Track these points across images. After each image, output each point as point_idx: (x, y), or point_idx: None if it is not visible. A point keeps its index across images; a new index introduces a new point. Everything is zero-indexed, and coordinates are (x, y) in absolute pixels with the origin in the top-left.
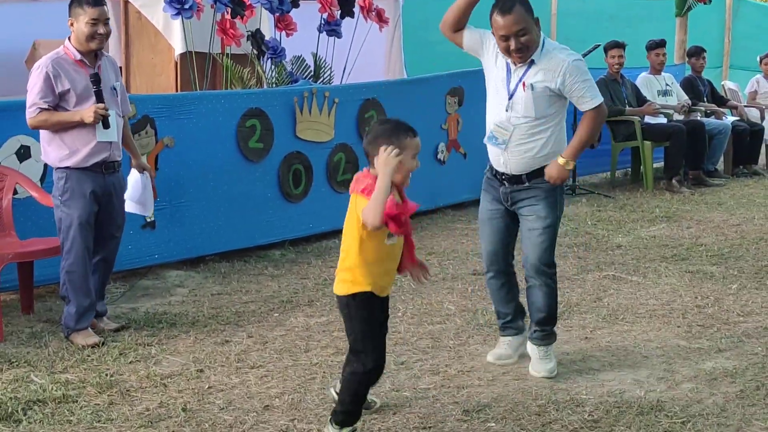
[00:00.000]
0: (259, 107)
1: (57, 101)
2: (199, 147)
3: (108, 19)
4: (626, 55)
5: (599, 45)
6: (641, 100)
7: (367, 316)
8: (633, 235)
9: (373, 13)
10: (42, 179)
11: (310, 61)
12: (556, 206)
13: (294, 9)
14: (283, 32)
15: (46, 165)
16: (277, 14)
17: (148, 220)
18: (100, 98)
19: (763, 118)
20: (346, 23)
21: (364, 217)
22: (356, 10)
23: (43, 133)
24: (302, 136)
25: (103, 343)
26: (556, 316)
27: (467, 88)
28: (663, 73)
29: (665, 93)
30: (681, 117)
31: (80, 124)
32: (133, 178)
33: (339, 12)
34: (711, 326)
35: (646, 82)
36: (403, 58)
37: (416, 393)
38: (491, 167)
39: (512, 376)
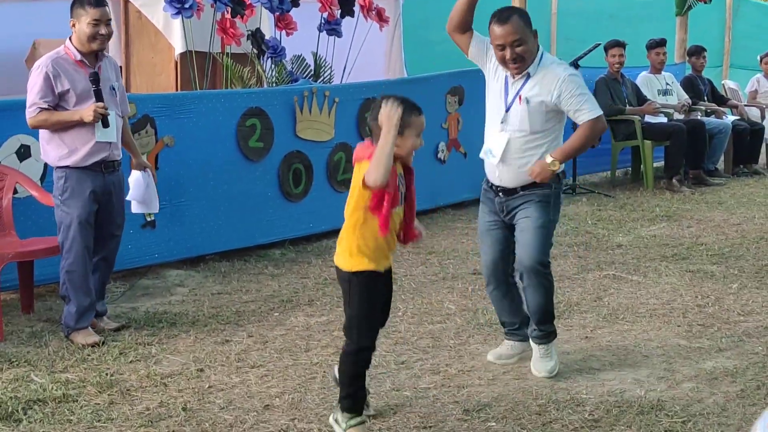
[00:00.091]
0: (260, 106)
1: (57, 101)
2: (199, 146)
3: (110, 20)
4: (627, 55)
5: (599, 44)
6: (641, 99)
7: (366, 296)
8: (633, 234)
9: (374, 12)
10: (42, 179)
11: (310, 61)
12: (549, 209)
13: (294, 8)
14: (283, 31)
15: (46, 164)
16: (277, 13)
17: (148, 219)
18: (99, 98)
19: (763, 117)
20: (347, 22)
21: (368, 175)
22: (356, 9)
23: (42, 132)
24: (302, 136)
25: (103, 343)
26: (553, 315)
27: (467, 88)
28: (663, 73)
29: (665, 92)
30: (681, 116)
31: (80, 124)
32: (134, 177)
33: (339, 11)
34: (711, 326)
35: (646, 82)
36: (404, 57)
37: (417, 392)
38: (487, 179)
39: (512, 375)
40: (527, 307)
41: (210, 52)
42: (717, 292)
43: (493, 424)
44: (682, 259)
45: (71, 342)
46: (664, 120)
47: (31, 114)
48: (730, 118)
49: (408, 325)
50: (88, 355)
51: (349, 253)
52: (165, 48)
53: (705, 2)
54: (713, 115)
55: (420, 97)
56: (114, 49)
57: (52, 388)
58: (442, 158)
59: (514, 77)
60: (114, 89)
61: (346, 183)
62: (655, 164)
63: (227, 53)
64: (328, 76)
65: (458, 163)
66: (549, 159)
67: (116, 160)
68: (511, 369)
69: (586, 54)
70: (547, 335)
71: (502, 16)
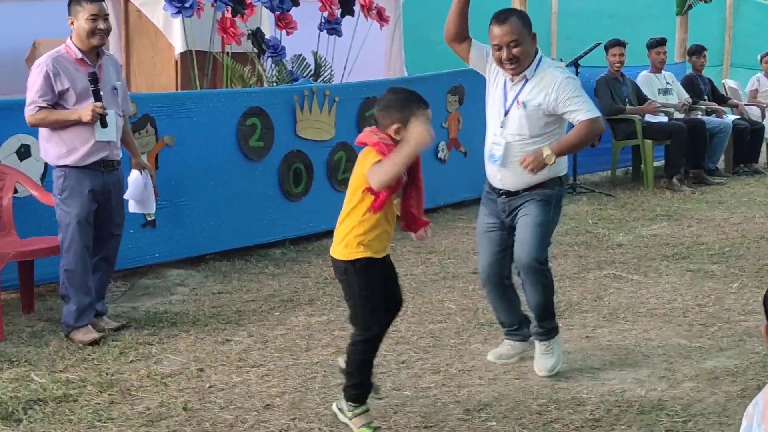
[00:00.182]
0: (260, 106)
1: (56, 99)
2: (199, 146)
3: (107, 14)
4: (627, 54)
5: (600, 43)
6: (642, 98)
7: (366, 281)
8: (634, 233)
9: (374, 11)
10: (42, 178)
11: (310, 60)
12: (550, 208)
13: (294, 7)
14: (284, 31)
15: (46, 164)
16: (278, 13)
17: (149, 219)
18: (98, 97)
19: (763, 116)
20: (347, 22)
21: (373, 177)
22: (357, 8)
23: (42, 130)
24: (303, 135)
25: (103, 341)
26: (553, 312)
27: (468, 87)
28: (664, 72)
29: (666, 91)
30: (682, 115)
31: (79, 123)
32: (133, 177)
33: (339, 10)
34: (712, 325)
35: (646, 81)
36: (404, 56)
37: (417, 392)
38: (489, 183)
39: (513, 375)
40: (528, 305)
41: (210, 51)
42: (717, 291)
43: (494, 423)
44: (683, 259)
45: (71, 341)
46: (665, 119)
47: (29, 112)
48: (730, 118)
49: (408, 325)
50: (89, 355)
51: (345, 243)
52: (165, 47)
53: (705, 1)
54: (713, 115)
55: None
56: (114, 48)
57: (53, 388)
58: (443, 158)
59: (512, 80)
60: (116, 89)
61: (347, 182)
62: (655, 163)
63: (227, 52)
64: (329, 76)
65: (458, 162)
66: (545, 150)
67: (116, 159)
68: (512, 368)
69: (586, 53)
70: (548, 332)
71: (501, 16)
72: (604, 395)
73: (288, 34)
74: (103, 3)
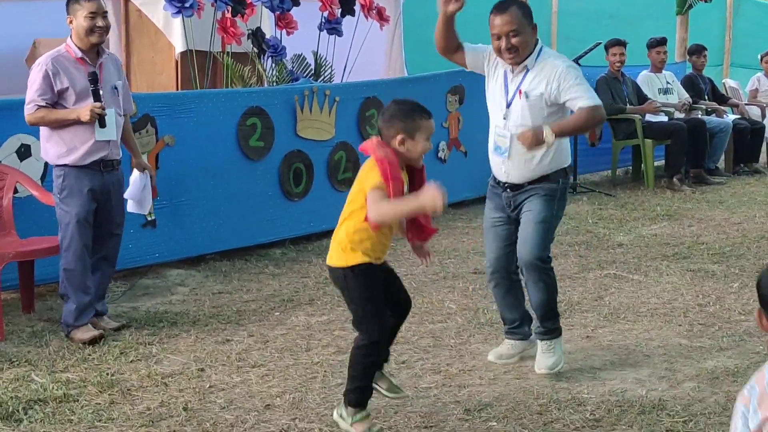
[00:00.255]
0: (260, 106)
1: (56, 99)
2: (199, 145)
3: (106, 12)
4: (627, 54)
5: (600, 43)
6: (642, 98)
7: (367, 283)
8: (634, 233)
9: (374, 11)
10: (42, 178)
11: (310, 60)
12: (554, 204)
13: (294, 7)
14: (284, 31)
15: (46, 164)
16: (278, 12)
17: (149, 218)
18: (97, 97)
19: (764, 116)
20: (347, 21)
21: (373, 212)
22: (357, 8)
23: (42, 130)
24: (303, 135)
25: (103, 340)
26: (555, 312)
27: (468, 87)
28: (664, 71)
29: (666, 91)
30: (682, 115)
31: (78, 122)
32: (133, 177)
33: (339, 10)
34: (712, 325)
35: (647, 81)
36: (404, 56)
37: (417, 392)
38: (494, 176)
39: (513, 375)
40: (530, 303)
41: (210, 51)
42: (718, 291)
43: (494, 423)
44: (683, 259)
45: (71, 340)
46: (665, 119)
47: (29, 111)
48: (730, 117)
49: (409, 325)
50: (89, 355)
51: (343, 249)
52: (165, 47)
53: (705, 1)
54: (714, 114)
55: (420, 96)
56: (114, 47)
57: (53, 388)
58: (443, 157)
59: (513, 71)
60: (116, 88)
61: (347, 182)
62: (655, 163)
63: (228, 52)
64: (329, 75)
65: (459, 162)
66: (546, 129)
67: (115, 159)
68: (512, 368)
69: (586, 53)
70: (550, 332)
71: (502, 6)
72: (605, 395)
73: (288, 33)
74: (101, 1)
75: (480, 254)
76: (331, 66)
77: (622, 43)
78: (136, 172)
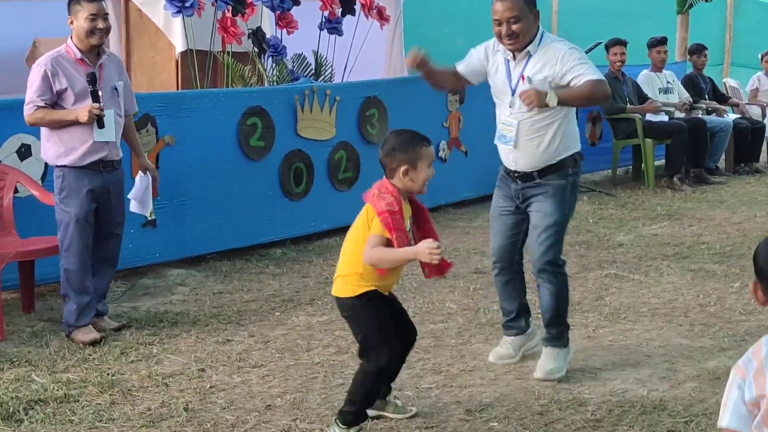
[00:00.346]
0: (260, 105)
1: (55, 99)
2: (200, 145)
3: (107, 14)
4: (627, 53)
5: (600, 42)
6: (642, 97)
7: (375, 310)
8: (634, 233)
9: (374, 10)
10: (43, 178)
11: (311, 59)
12: (565, 204)
13: (295, 7)
14: (284, 30)
15: (46, 163)
16: (278, 12)
17: (149, 218)
18: (96, 98)
19: (764, 115)
20: (347, 21)
21: (367, 256)
22: (357, 7)
23: (43, 130)
24: (303, 134)
25: (104, 341)
26: (563, 319)
27: (468, 86)
28: (664, 71)
29: (666, 90)
30: (682, 115)
31: (77, 123)
32: (138, 177)
33: (340, 10)
34: (713, 325)
35: (647, 80)
36: (404, 55)
37: (418, 392)
38: (504, 166)
39: (514, 375)
40: (539, 306)
41: (211, 50)
42: (719, 291)
43: (495, 424)
44: (684, 258)
45: (72, 340)
46: (665, 118)
47: (28, 111)
48: (731, 117)
49: None
50: (90, 355)
51: (349, 281)
52: (166, 46)
53: (706, 0)
54: (714, 114)
55: (420, 95)
56: (114, 47)
57: (54, 388)
58: (443, 157)
59: (515, 58)
60: (116, 89)
61: (347, 182)
62: (656, 163)
63: (228, 52)
64: (329, 75)
65: (459, 161)
66: (550, 92)
67: (115, 159)
68: (513, 369)
69: (587, 52)
70: (555, 338)
71: None
72: (606, 395)
73: (289, 33)
74: (103, 2)
75: (481, 254)
76: (332, 65)
77: (622, 43)
78: (140, 173)
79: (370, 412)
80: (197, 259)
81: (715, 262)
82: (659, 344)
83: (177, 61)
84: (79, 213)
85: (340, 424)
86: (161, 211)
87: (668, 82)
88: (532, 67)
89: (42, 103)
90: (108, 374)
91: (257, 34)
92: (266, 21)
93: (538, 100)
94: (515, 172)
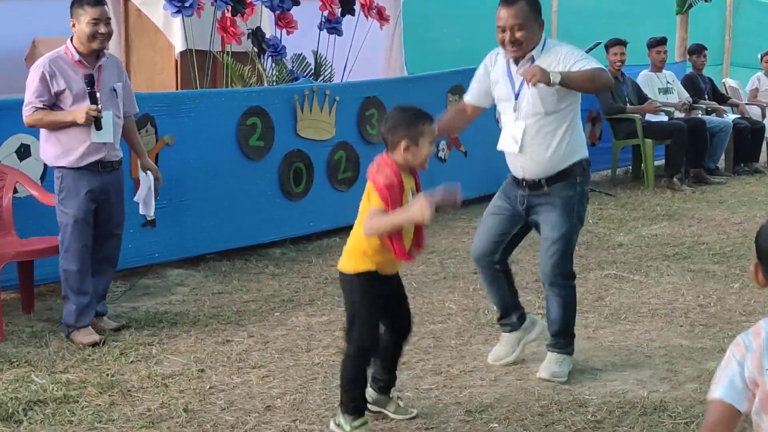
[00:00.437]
0: (260, 105)
1: (53, 100)
2: (199, 145)
3: (109, 18)
4: (627, 53)
5: (600, 42)
6: (642, 97)
7: (369, 291)
8: (634, 233)
9: (374, 10)
10: (42, 178)
11: (310, 59)
12: (573, 214)
13: (294, 7)
14: (284, 30)
15: (46, 164)
16: (278, 12)
17: (149, 218)
18: (93, 99)
19: (764, 115)
20: (347, 21)
21: (366, 224)
22: (357, 7)
23: (42, 131)
24: (303, 134)
25: (103, 343)
26: (570, 332)
27: (468, 86)
28: (664, 71)
29: (666, 91)
30: (682, 115)
31: (75, 124)
32: (141, 178)
33: (340, 10)
34: (713, 325)
35: (647, 80)
36: (404, 55)
37: (418, 393)
38: (511, 174)
39: (515, 376)
40: (547, 317)
41: (210, 50)
42: (719, 291)
43: (496, 425)
44: (684, 259)
45: (71, 341)
46: (665, 119)
47: (26, 113)
48: (730, 117)
49: None
50: (89, 356)
51: (354, 257)
52: (165, 46)
53: (705, 0)
54: (714, 114)
55: (421, 95)
56: (114, 47)
57: (53, 389)
58: (443, 157)
59: (516, 63)
60: (115, 90)
61: (347, 182)
62: (656, 163)
63: (228, 52)
64: (329, 75)
65: (459, 162)
66: (553, 71)
67: (114, 160)
68: (513, 370)
69: (586, 52)
70: (561, 346)
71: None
72: (606, 396)
73: (288, 33)
74: (105, 7)
75: None
76: (331, 65)
77: (622, 43)
78: (143, 173)
79: (372, 408)
80: (197, 259)
81: (715, 262)
82: (659, 345)
83: (176, 61)
84: (78, 214)
85: (345, 415)
86: (161, 211)
87: (668, 83)
88: None
89: (40, 105)
90: (107, 375)
91: (257, 34)
92: (266, 21)
93: (541, 75)
94: (523, 180)
